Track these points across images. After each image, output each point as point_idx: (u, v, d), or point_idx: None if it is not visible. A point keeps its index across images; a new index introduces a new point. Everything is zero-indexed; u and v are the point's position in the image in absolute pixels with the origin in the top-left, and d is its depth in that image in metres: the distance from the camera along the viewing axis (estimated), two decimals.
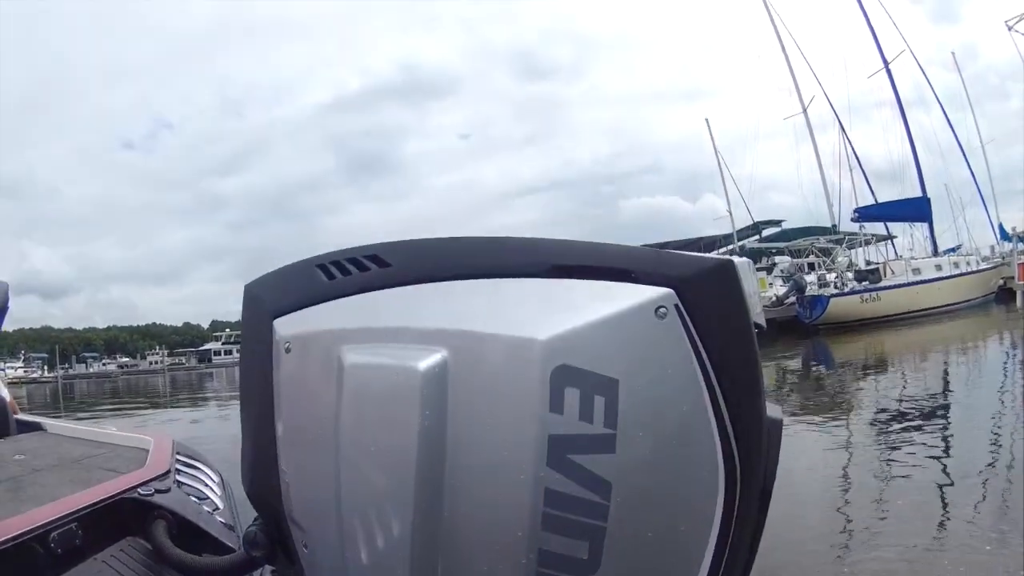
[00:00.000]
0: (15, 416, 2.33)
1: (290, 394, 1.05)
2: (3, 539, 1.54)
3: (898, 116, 25.06)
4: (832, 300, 19.46)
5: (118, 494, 1.84)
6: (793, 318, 19.25)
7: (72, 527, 1.64)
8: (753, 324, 0.94)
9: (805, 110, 27.81)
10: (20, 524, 1.60)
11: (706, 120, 42.49)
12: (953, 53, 40.23)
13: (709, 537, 0.92)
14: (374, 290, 0.94)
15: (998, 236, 20.38)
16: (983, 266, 21.20)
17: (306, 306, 1.03)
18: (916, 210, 23.01)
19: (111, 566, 1.65)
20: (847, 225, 24.83)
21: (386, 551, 0.91)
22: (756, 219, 35.12)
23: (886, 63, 25.36)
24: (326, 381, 0.96)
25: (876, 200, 24.57)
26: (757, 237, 36.16)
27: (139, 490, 1.89)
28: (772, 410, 1.07)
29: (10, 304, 1.83)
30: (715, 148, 39.77)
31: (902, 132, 24.60)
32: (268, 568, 1.40)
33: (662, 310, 0.79)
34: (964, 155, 24.70)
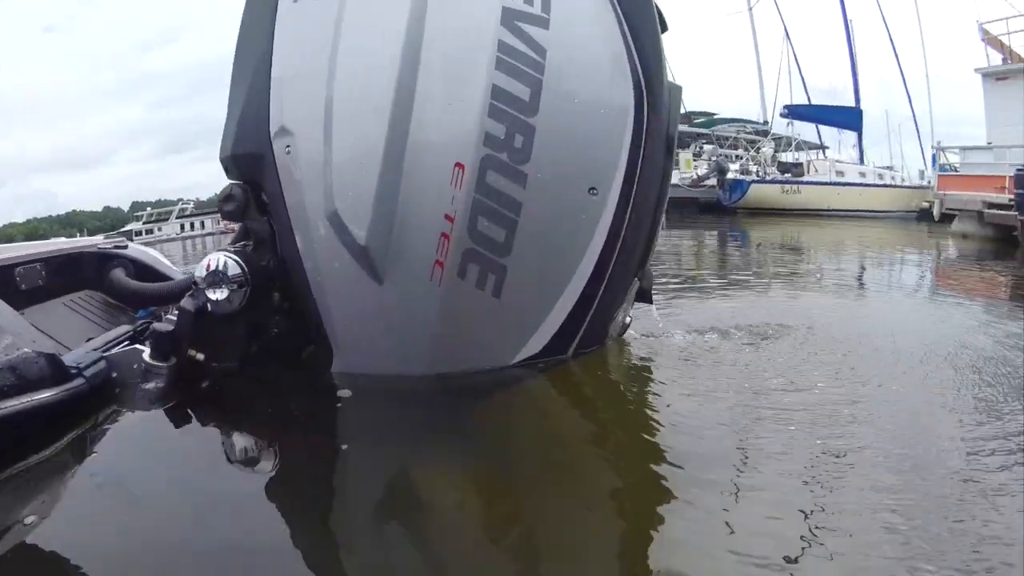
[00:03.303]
0: None
1: (290, 35, 1.49)
2: None
3: (843, 34, 23.69)
4: (753, 186, 19.77)
5: (79, 248, 2.18)
6: (716, 201, 19.68)
7: (36, 267, 1.97)
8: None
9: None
10: None
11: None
12: None
13: (623, 142, 1.65)
14: None
15: (929, 164, 19.78)
16: (907, 184, 21.25)
17: None
18: (848, 117, 22.35)
19: (71, 308, 2.01)
20: (779, 129, 24.38)
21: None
22: (689, 110, 34.96)
23: None
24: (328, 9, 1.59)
25: None
26: (687, 126, 35.75)
27: (99, 245, 2.24)
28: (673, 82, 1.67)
29: None
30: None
31: (845, 55, 23.27)
32: None
33: None
34: (905, 85, 22.79)
